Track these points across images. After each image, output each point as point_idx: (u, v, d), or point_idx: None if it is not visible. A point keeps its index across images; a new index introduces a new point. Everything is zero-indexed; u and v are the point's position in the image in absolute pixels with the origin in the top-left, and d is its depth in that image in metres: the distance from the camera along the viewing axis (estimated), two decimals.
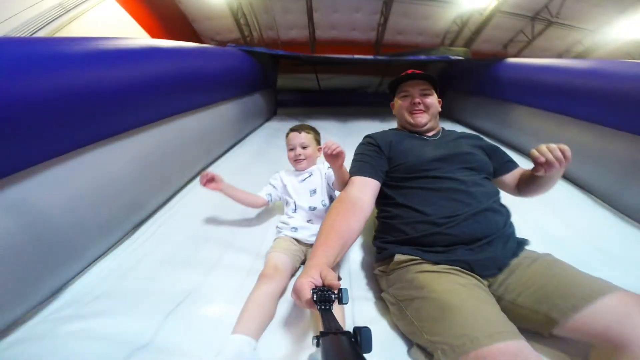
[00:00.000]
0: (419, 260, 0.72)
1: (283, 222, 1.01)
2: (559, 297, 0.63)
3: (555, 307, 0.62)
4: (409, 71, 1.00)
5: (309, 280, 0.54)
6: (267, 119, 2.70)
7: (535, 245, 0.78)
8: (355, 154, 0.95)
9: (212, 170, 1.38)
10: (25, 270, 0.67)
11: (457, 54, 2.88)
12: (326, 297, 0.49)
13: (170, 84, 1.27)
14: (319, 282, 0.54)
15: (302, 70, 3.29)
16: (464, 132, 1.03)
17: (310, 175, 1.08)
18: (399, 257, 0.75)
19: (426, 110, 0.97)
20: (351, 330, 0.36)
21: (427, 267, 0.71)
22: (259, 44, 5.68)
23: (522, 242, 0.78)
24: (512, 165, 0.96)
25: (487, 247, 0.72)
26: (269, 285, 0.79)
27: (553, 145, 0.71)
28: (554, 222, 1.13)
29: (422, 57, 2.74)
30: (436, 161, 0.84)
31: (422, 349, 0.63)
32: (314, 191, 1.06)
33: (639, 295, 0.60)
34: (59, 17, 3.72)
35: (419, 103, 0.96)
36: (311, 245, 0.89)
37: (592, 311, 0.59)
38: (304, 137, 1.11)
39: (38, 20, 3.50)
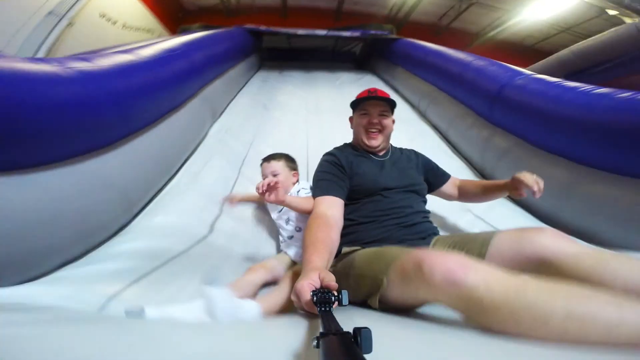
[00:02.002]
0: (360, 248, 0.86)
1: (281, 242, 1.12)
2: (466, 252, 0.77)
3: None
4: (372, 89, 1.08)
5: (309, 282, 0.56)
6: (257, 71, 4.04)
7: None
8: (321, 172, 1.00)
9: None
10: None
11: (384, 29, 4.31)
12: (326, 299, 0.50)
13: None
14: (319, 285, 0.56)
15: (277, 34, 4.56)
16: (404, 151, 1.16)
17: None
18: (345, 249, 0.89)
19: (382, 130, 1.04)
20: (351, 331, 0.35)
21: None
22: (236, 9, 6.59)
23: (435, 233, 0.95)
24: (446, 177, 1.14)
25: (417, 242, 0.88)
26: (253, 275, 0.88)
27: (538, 179, 0.87)
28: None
29: (359, 31, 4.14)
30: (388, 183, 0.97)
31: (371, 294, 0.68)
32: (288, 219, 1.11)
33: (516, 229, 0.78)
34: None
35: (376, 123, 1.03)
36: None
37: (493, 252, 0.74)
38: (274, 165, 1.18)
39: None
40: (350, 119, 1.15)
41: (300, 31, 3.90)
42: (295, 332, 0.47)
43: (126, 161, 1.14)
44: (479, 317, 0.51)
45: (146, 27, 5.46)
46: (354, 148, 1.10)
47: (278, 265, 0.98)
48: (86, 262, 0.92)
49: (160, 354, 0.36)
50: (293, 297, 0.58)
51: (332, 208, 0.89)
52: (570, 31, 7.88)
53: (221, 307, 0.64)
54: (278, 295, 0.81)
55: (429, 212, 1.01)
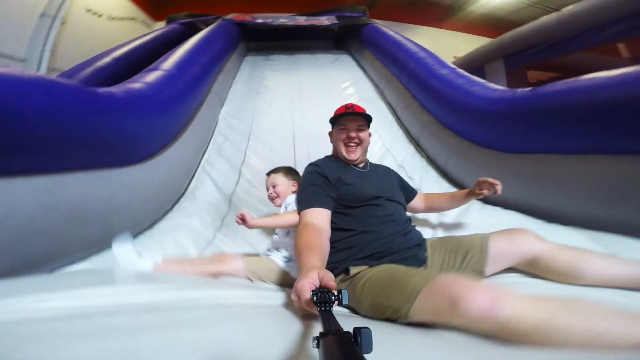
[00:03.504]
0: (369, 269, 0.85)
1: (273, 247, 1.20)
2: (470, 265, 0.89)
3: (474, 268, 0.88)
4: (349, 105, 1.15)
5: (309, 282, 0.57)
6: (245, 57, 4.51)
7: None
8: (306, 184, 1.04)
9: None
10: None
11: (358, 10, 4.74)
12: (326, 299, 0.51)
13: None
14: (319, 284, 0.58)
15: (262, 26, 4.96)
16: (380, 166, 1.27)
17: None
18: (352, 269, 0.88)
19: (360, 143, 1.12)
20: (351, 331, 0.35)
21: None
22: None
23: (424, 240, 1.02)
24: (415, 192, 1.27)
25: (415, 250, 0.95)
26: (205, 259, 1.05)
27: (496, 181, 1.04)
28: None
29: (334, 14, 4.58)
30: (375, 192, 1.03)
31: (393, 319, 0.68)
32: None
33: (504, 230, 0.93)
34: None
35: (354, 137, 1.10)
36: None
37: (493, 255, 0.85)
38: (273, 178, 1.33)
39: None
40: (330, 133, 1.24)
41: (282, 19, 4.35)
42: (294, 331, 0.46)
43: (183, 147, 1.76)
44: (507, 339, 0.53)
45: (129, 16, 5.72)
46: (337, 160, 1.18)
47: (238, 261, 1.04)
48: (178, 215, 1.54)
49: (195, 335, 0.44)
50: (293, 297, 0.59)
51: (319, 218, 0.94)
52: (539, 5, 8.17)
53: (121, 259, 0.84)
54: (185, 264, 1.00)
55: (410, 219, 1.10)
